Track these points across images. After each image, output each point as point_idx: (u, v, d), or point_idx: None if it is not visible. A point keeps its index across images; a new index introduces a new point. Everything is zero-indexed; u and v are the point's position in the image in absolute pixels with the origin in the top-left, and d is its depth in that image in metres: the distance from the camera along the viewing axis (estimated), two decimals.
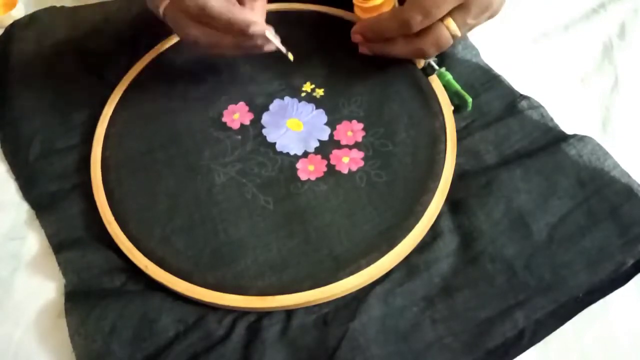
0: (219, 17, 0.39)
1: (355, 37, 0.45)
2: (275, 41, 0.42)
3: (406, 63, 0.47)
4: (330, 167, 0.42)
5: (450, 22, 0.40)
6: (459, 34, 0.41)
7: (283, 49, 0.43)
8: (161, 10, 0.41)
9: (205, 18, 0.39)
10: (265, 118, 0.46)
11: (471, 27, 0.42)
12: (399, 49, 0.44)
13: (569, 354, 0.36)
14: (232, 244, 0.40)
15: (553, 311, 0.36)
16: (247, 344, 0.36)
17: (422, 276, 0.38)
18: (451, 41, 0.42)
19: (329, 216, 0.40)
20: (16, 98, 0.49)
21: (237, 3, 0.41)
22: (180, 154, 0.44)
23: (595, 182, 0.40)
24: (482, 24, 0.43)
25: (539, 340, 0.35)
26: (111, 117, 0.47)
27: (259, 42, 0.41)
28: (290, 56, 0.44)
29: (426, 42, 0.42)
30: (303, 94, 0.47)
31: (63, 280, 0.40)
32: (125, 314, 0.37)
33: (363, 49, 0.46)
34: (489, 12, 0.41)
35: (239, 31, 0.40)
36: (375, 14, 0.44)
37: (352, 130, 0.44)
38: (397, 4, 0.44)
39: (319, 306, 0.37)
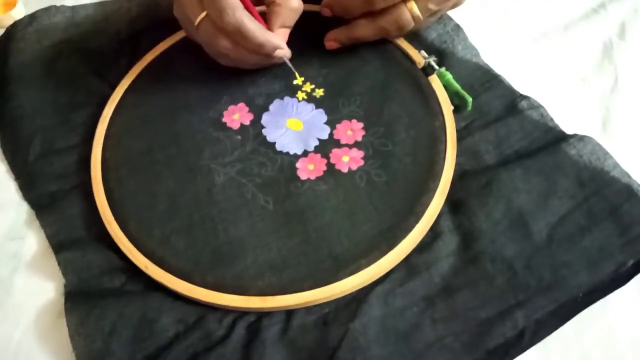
0: (253, 38, 0.41)
1: (325, 11, 0.48)
2: (289, 64, 0.45)
3: (406, 63, 0.47)
4: (330, 166, 0.42)
5: (413, 4, 0.43)
6: (420, 16, 0.44)
7: (295, 71, 0.46)
8: (196, 21, 0.42)
9: (239, 37, 0.41)
10: (265, 118, 0.46)
11: (434, 13, 0.45)
12: (363, 29, 0.46)
13: (569, 354, 0.36)
14: (232, 244, 0.40)
15: (553, 311, 0.36)
16: (247, 344, 0.36)
17: (422, 276, 0.38)
18: (412, 23, 0.45)
19: (328, 216, 0.40)
20: (16, 98, 0.49)
21: (265, 27, 0.43)
22: (180, 154, 0.44)
23: (596, 182, 0.40)
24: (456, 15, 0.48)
25: (539, 340, 0.35)
26: (111, 117, 0.47)
27: (276, 61, 0.45)
28: (298, 76, 0.47)
29: (388, 21, 0.45)
30: (303, 94, 0.47)
31: (63, 280, 0.40)
32: (125, 314, 0.37)
33: (331, 44, 0.48)
34: (451, 1, 0.45)
35: (266, 53, 0.43)
36: None
37: (351, 130, 0.44)
38: None
39: (319, 306, 0.37)
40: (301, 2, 0.44)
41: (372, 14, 0.45)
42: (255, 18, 0.42)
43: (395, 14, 0.44)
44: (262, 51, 0.43)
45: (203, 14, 0.42)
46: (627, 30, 0.51)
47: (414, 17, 0.44)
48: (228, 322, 0.37)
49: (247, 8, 0.41)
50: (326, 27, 0.49)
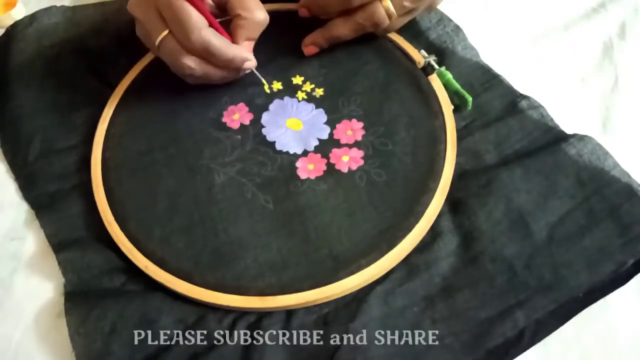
0: (221, 55, 0.42)
1: (302, 11, 0.48)
2: (257, 73, 0.46)
3: (406, 62, 0.47)
4: (330, 166, 0.42)
5: (388, 2, 0.44)
6: (394, 13, 0.45)
7: (264, 81, 0.46)
8: (157, 41, 0.42)
9: (207, 55, 0.42)
10: (265, 118, 0.46)
11: (408, 11, 0.46)
12: (340, 28, 0.46)
13: (569, 354, 0.36)
14: (232, 244, 0.40)
15: (553, 311, 0.36)
16: (247, 344, 0.36)
17: (422, 276, 0.38)
18: (387, 20, 0.45)
19: (328, 215, 0.40)
20: (16, 98, 0.49)
21: (230, 41, 0.43)
22: (180, 154, 0.44)
23: (596, 182, 0.40)
24: (421, 13, 0.48)
25: (539, 340, 0.35)
26: (111, 117, 0.47)
27: (243, 72, 0.45)
28: (267, 87, 0.47)
29: (363, 17, 0.45)
30: (303, 94, 0.47)
31: (63, 280, 0.40)
32: (125, 314, 0.37)
33: (310, 49, 0.48)
34: (427, 0, 0.46)
35: (235, 67, 0.43)
36: None
37: (351, 129, 0.44)
38: None
39: (319, 306, 0.37)
40: (267, 14, 0.44)
41: (347, 12, 0.46)
42: (219, 32, 0.42)
43: (369, 10, 0.45)
44: (231, 66, 0.43)
45: (165, 33, 0.42)
46: (627, 30, 0.51)
47: (388, 14, 0.45)
48: (228, 322, 0.37)
49: (210, 24, 0.42)
50: None
